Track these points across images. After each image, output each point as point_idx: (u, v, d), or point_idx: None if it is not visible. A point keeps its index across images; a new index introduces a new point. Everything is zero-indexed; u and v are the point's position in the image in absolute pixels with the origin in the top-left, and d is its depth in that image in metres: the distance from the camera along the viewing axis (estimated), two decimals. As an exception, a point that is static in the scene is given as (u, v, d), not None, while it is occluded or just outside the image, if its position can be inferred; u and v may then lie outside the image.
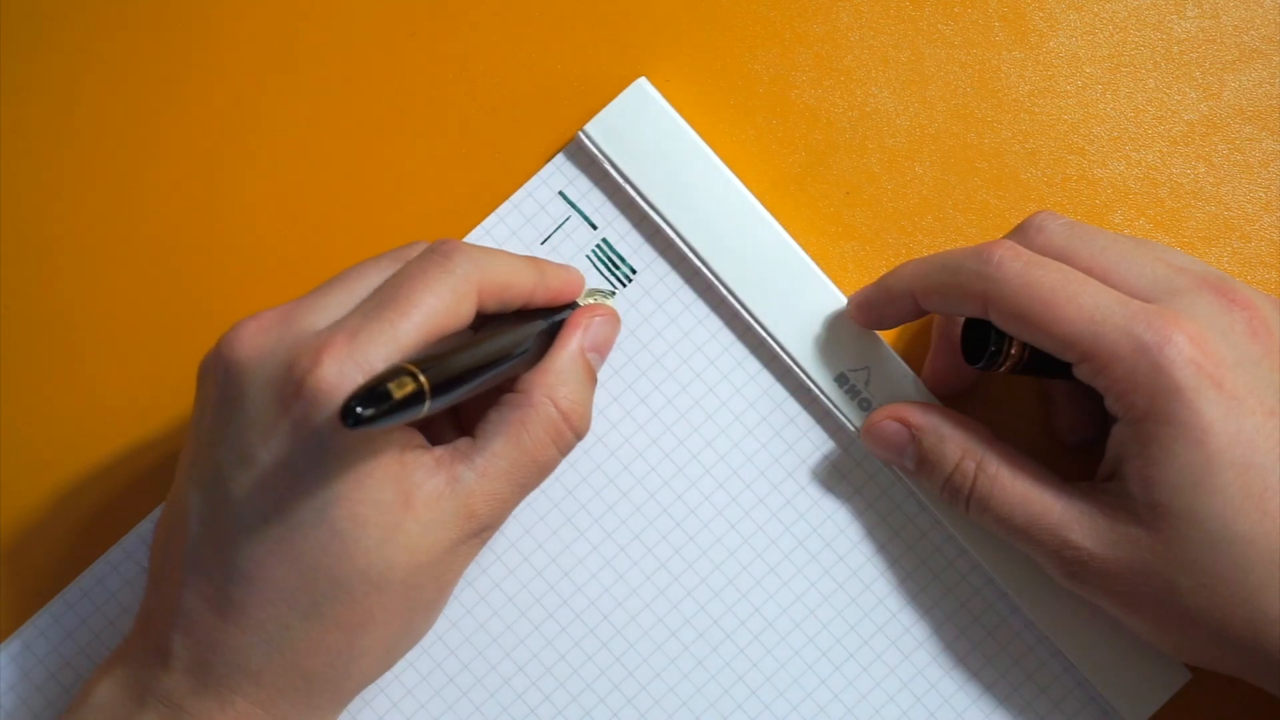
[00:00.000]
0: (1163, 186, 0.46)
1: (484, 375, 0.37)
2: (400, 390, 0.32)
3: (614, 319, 0.43)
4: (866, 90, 0.46)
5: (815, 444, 0.45)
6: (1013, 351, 0.40)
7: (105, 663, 0.39)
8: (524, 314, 0.41)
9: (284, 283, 0.46)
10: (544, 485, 0.45)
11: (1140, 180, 0.46)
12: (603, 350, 0.42)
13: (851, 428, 0.44)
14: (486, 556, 0.45)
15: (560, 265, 0.42)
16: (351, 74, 0.46)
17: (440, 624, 0.44)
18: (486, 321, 0.40)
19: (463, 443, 0.39)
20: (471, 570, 0.45)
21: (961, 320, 0.43)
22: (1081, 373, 0.38)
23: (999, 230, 0.46)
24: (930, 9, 0.46)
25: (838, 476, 0.45)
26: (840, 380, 0.44)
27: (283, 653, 0.37)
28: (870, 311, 0.43)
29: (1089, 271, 0.39)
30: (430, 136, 0.46)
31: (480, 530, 0.38)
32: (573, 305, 0.43)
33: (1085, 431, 0.43)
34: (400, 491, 0.36)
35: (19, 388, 0.45)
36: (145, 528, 0.45)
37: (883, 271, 0.44)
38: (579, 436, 0.40)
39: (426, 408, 0.33)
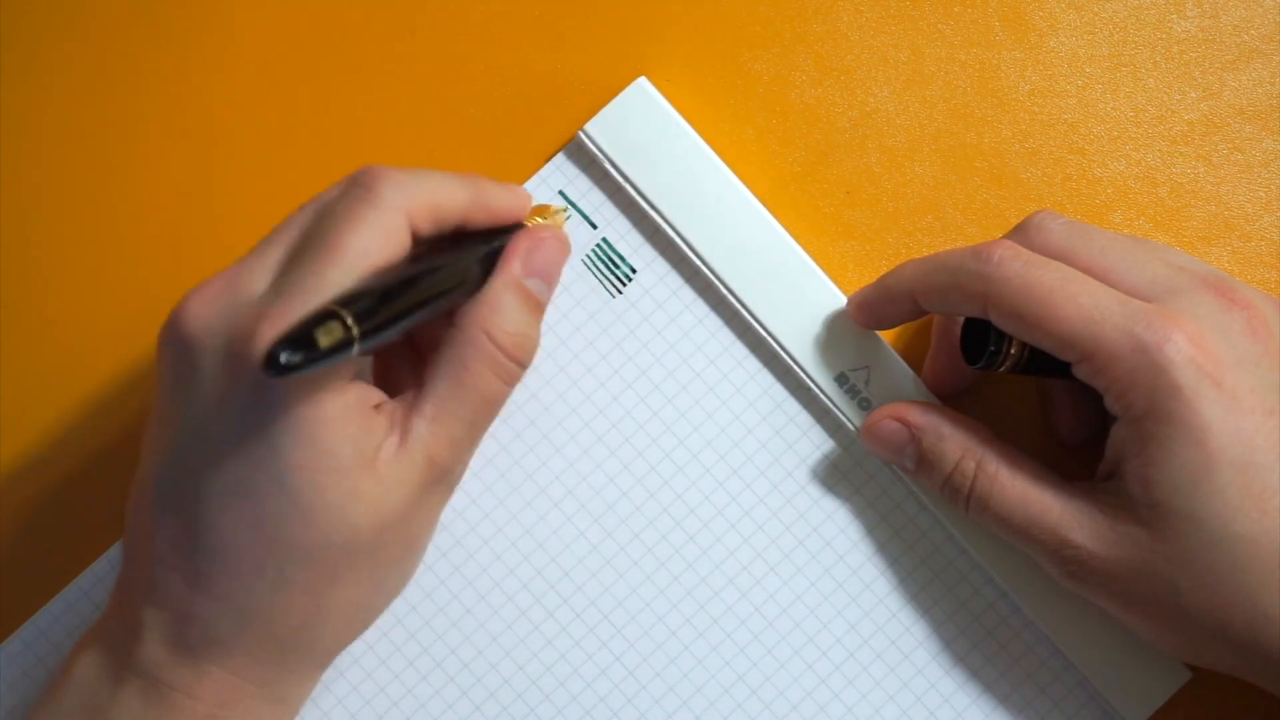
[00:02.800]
0: (1163, 186, 0.46)
1: (419, 313, 0.36)
2: (327, 338, 0.31)
3: (558, 241, 0.40)
4: (866, 90, 0.46)
5: (815, 443, 0.45)
6: (1012, 351, 0.40)
7: (82, 640, 0.39)
8: (466, 236, 0.39)
9: (284, 282, 0.46)
10: (544, 485, 0.45)
11: (1140, 180, 0.46)
12: (548, 276, 0.40)
13: (851, 427, 0.44)
14: (486, 555, 0.45)
15: (501, 184, 0.41)
16: (352, 73, 0.46)
17: (440, 623, 0.44)
18: (426, 247, 0.38)
19: (411, 393, 0.38)
20: (471, 569, 0.45)
21: (961, 320, 0.43)
22: (1081, 372, 0.38)
23: (999, 230, 0.46)
24: (930, 9, 0.46)
25: (838, 476, 0.45)
26: (840, 380, 0.44)
27: (253, 621, 0.37)
28: (870, 312, 0.43)
29: (1089, 271, 0.39)
30: (430, 136, 0.46)
31: (442, 477, 0.38)
32: (518, 227, 0.41)
33: (1085, 431, 0.43)
34: (358, 452, 0.36)
35: (19, 387, 0.45)
36: (145, 527, 0.45)
37: (883, 271, 0.44)
38: (523, 367, 0.39)
39: (355, 350, 0.32)
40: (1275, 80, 0.46)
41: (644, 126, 0.45)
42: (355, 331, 0.32)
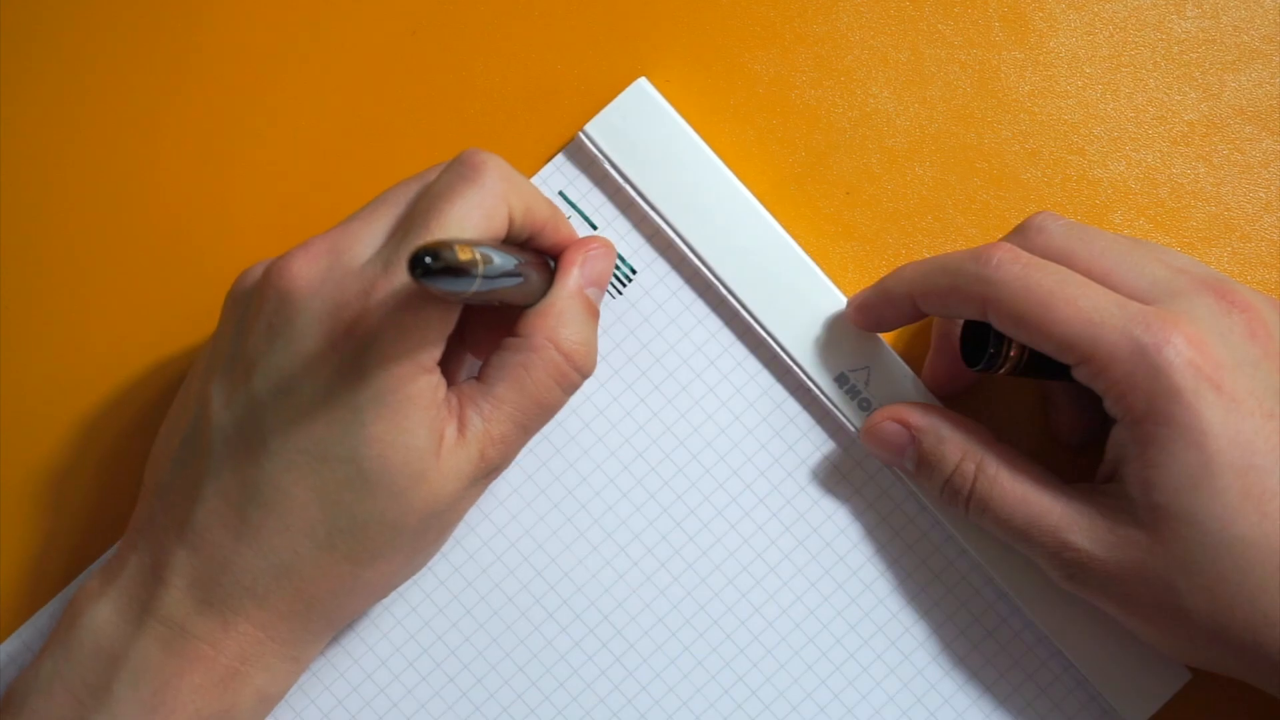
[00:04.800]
0: (1163, 186, 0.46)
1: (512, 279, 0.37)
2: (464, 254, 0.33)
3: (608, 250, 0.42)
4: (866, 90, 0.46)
5: (815, 444, 0.45)
6: (1011, 354, 0.40)
7: (88, 585, 0.39)
8: (522, 249, 0.40)
9: (284, 283, 0.46)
10: (544, 486, 0.45)
11: (1140, 180, 0.46)
12: (601, 284, 0.41)
13: (851, 428, 0.44)
14: (486, 556, 0.45)
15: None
16: (352, 73, 0.46)
17: (440, 623, 0.45)
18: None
19: (467, 386, 0.39)
20: (471, 570, 0.45)
21: (960, 323, 0.43)
22: (1080, 375, 0.38)
23: (999, 230, 0.46)
24: (930, 9, 0.46)
25: (838, 477, 0.45)
26: (840, 380, 0.44)
27: (290, 578, 0.37)
28: (869, 314, 0.43)
29: (1088, 273, 0.39)
30: (430, 136, 0.46)
31: (489, 473, 0.39)
32: None
33: (1085, 432, 0.43)
34: (430, 436, 0.37)
35: (19, 387, 0.45)
36: (145, 528, 0.45)
37: (883, 272, 0.44)
38: (584, 376, 0.40)
39: (477, 282, 0.33)
40: (1275, 81, 0.46)
41: (644, 127, 0.45)
42: (479, 262, 0.33)
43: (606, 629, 0.45)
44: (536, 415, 0.39)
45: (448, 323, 0.37)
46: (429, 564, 0.44)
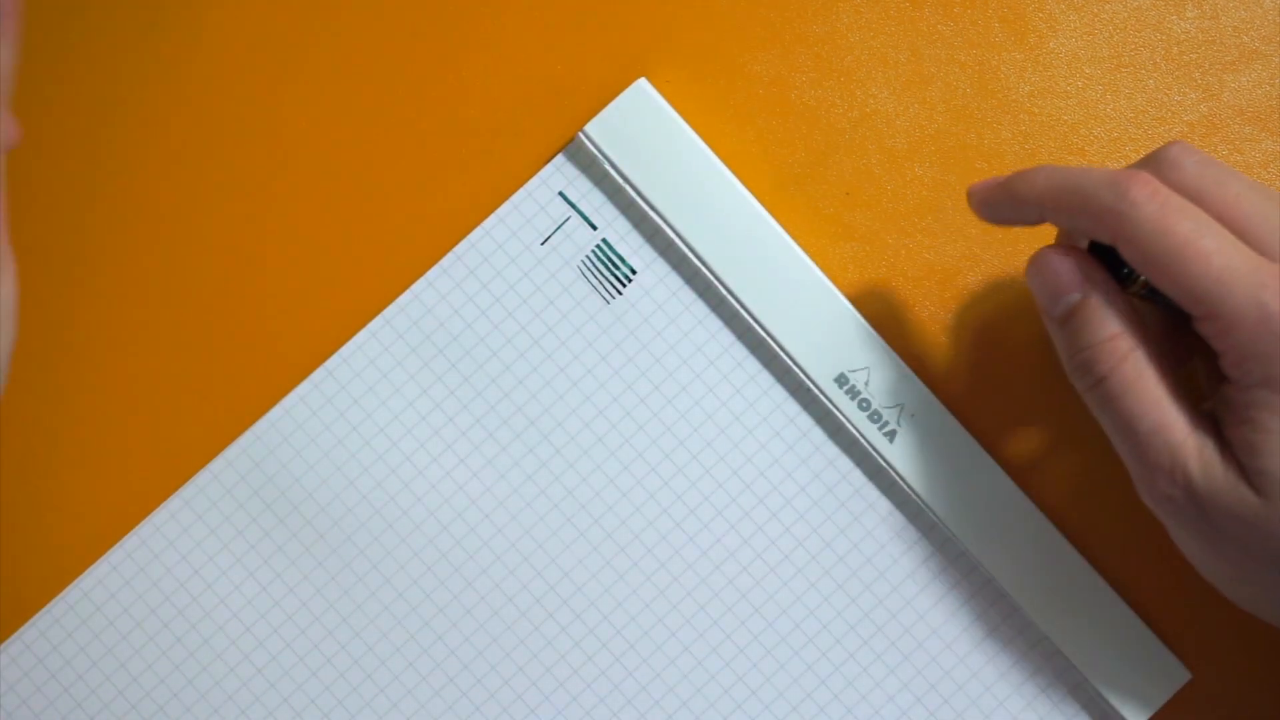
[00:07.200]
0: (1163, 187, 0.46)
1: None
2: None
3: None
4: (866, 90, 0.46)
5: (815, 444, 0.45)
6: (1142, 278, 0.39)
7: None
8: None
9: (282, 281, 0.46)
10: (544, 485, 0.45)
11: (1140, 180, 0.46)
12: None
13: (851, 428, 0.44)
14: (486, 556, 0.45)
15: None
16: (352, 73, 0.46)
17: (440, 623, 0.45)
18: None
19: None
20: (471, 570, 0.45)
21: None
22: (1203, 329, 0.38)
23: (999, 230, 0.46)
24: (930, 9, 0.46)
25: (837, 477, 0.45)
26: (840, 380, 0.44)
27: None
28: (991, 209, 0.42)
29: (1221, 219, 0.38)
30: (430, 137, 0.46)
31: None
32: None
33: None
34: None
35: (19, 386, 0.45)
36: (145, 528, 0.45)
37: (883, 272, 0.44)
38: None
39: None
40: (1275, 82, 0.46)
41: (644, 127, 0.45)
42: None
43: (606, 629, 0.45)
44: None
45: None
46: (415, 553, 0.44)
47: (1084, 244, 0.41)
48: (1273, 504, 0.37)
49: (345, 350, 0.45)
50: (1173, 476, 0.38)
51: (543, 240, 0.46)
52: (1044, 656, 0.44)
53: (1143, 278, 0.39)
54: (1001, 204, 0.41)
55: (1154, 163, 0.40)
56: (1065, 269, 0.40)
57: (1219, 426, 0.38)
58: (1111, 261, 0.40)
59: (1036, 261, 0.41)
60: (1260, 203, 0.38)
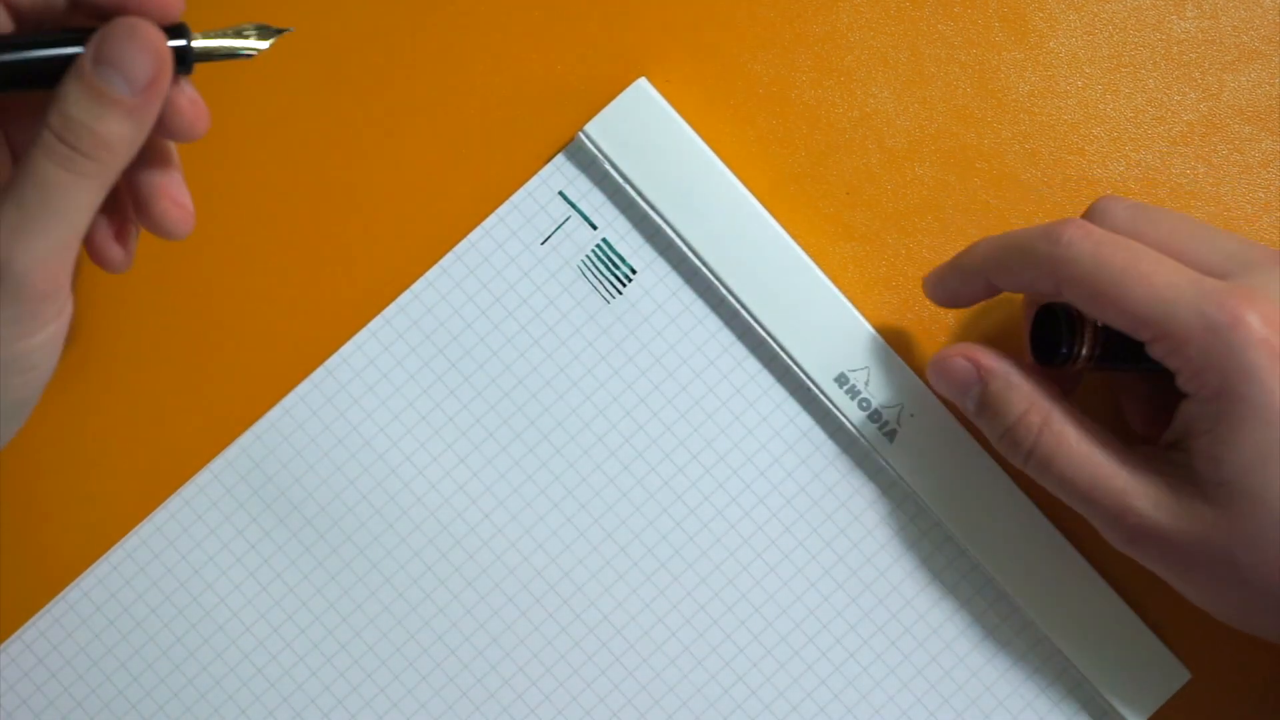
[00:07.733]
0: (1162, 187, 0.46)
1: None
2: None
3: (137, 31, 0.35)
4: (866, 90, 0.46)
5: (815, 444, 0.45)
6: (1083, 353, 0.40)
7: None
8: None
9: (283, 281, 0.46)
10: (544, 486, 0.45)
11: (1140, 180, 0.46)
12: (119, 65, 0.35)
13: (851, 428, 0.44)
14: (486, 556, 0.45)
15: None
16: (351, 73, 0.46)
17: (440, 623, 0.45)
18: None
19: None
20: (471, 570, 0.45)
21: (1030, 318, 0.42)
22: (1154, 351, 0.38)
23: (998, 231, 0.46)
24: (930, 9, 0.46)
25: (837, 477, 0.45)
26: (840, 380, 0.44)
27: None
28: (944, 290, 0.43)
29: (1159, 250, 0.39)
30: (430, 136, 0.46)
31: (40, 303, 0.36)
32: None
33: (1163, 425, 0.42)
34: None
35: (19, 388, 0.45)
36: (146, 528, 0.45)
37: (883, 272, 0.44)
38: (90, 158, 0.35)
39: None
40: (1275, 81, 0.46)
41: (644, 127, 0.45)
42: None
43: (606, 629, 0.45)
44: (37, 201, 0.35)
45: None
46: (415, 553, 0.44)
47: (1032, 311, 0.42)
48: (1231, 513, 0.37)
49: (345, 350, 0.45)
50: (1126, 520, 0.38)
51: (543, 240, 0.46)
52: (1044, 656, 0.44)
53: (1083, 351, 0.40)
54: (949, 278, 0.42)
55: (1086, 214, 0.41)
56: (959, 366, 0.41)
57: (1158, 462, 0.39)
58: (1051, 342, 0.40)
59: (934, 366, 0.42)
60: (1196, 229, 0.39)
